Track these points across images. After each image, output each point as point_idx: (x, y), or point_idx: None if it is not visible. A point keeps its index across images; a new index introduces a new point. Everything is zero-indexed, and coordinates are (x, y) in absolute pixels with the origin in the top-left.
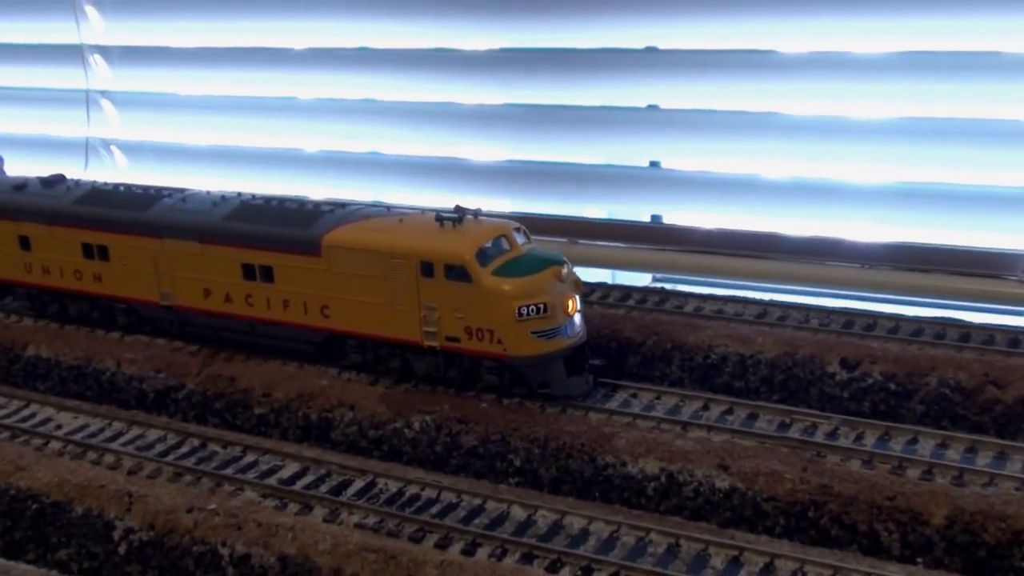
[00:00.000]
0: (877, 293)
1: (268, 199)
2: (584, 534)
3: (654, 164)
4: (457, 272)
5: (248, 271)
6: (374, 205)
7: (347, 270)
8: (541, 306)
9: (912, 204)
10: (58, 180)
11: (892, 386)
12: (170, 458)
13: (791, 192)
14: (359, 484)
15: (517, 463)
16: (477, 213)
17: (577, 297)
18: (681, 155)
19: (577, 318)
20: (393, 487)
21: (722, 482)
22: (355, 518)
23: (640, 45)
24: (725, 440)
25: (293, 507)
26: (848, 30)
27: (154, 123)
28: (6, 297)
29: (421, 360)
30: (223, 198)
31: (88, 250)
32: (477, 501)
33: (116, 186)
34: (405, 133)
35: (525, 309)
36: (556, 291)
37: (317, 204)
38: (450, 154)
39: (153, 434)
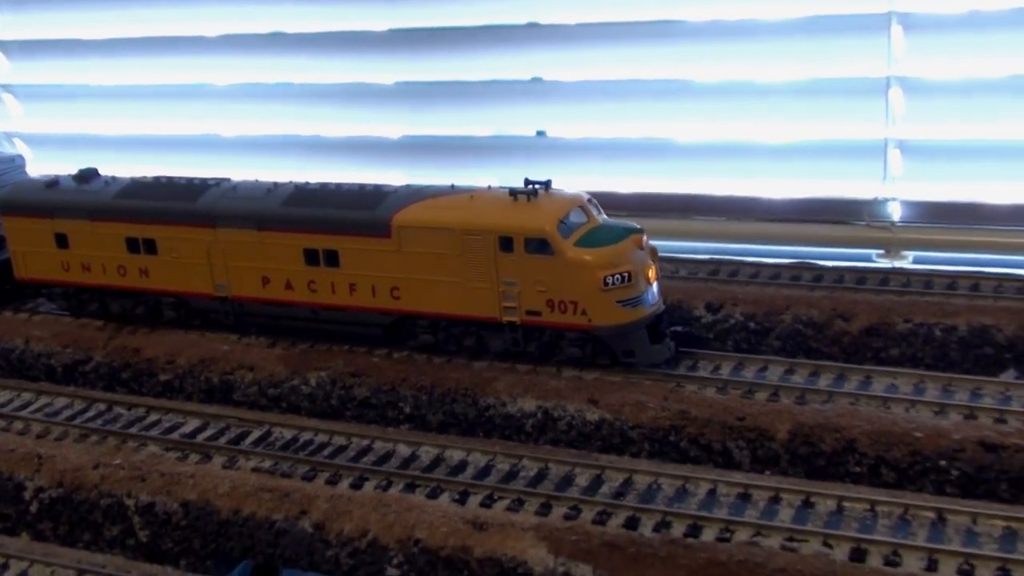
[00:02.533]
0: (741, 243)
1: (324, 184)
2: (463, 465)
3: (540, 133)
4: (538, 245)
5: (311, 256)
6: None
7: (419, 249)
8: (625, 275)
9: (774, 159)
10: (92, 175)
11: (752, 325)
12: (77, 421)
13: (660, 152)
14: (256, 434)
15: (407, 410)
16: (548, 186)
17: (655, 265)
18: (564, 123)
19: (655, 286)
20: (288, 435)
21: (592, 415)
22: (252, 463)
23: (522, 21)
24: (595, 378)
25: (194, 457)
26: None
27: (63, 114)
28: (39, 298)
29: (498, 336)
30: (276, 185)
31: (133, 244)
32: (366, 442)
33: (157, 178)
34: (311, 113)
35: (610, 278)
36: (637, 260)
37: (378, 186)
38: (354, 132)
39: (61, 401)
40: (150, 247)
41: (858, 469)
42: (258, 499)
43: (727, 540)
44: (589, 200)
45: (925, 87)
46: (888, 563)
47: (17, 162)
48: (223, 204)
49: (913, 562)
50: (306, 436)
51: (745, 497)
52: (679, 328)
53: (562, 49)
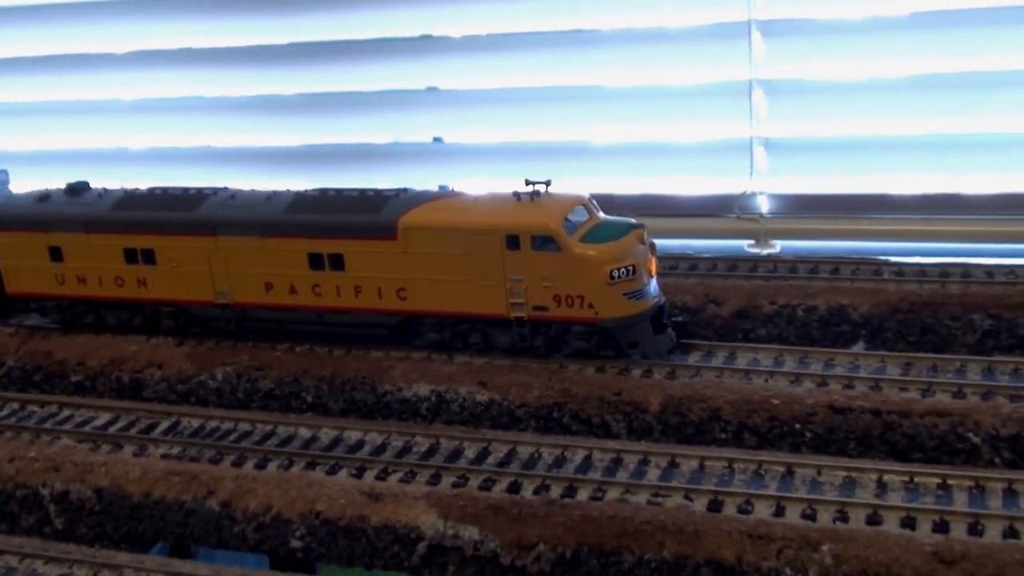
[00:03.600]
0: None
1: (323, 190)
2: (360, 444)
3: (437, 140)
4: (544, 242)
5: (315, 261)
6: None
7: (425, 250)
8: (630, 268)
9: (655, 159)
10: (83, 187)
11: None
12: None
13: (554, 154)
14: (165, 424)
15: (309, 399)
16: (548, 185)
17: (655, 259)
18: (459, 129)
19: (655, 279)
20: (196, 423)
21: (482, 396)
22: (161, 451)
23: (416, 33)
24: (485, 362)
25: (105, 447)
26: None
27: None
28: (29, 313)
29: (504, 333)
30: (274, 193)
31: (131, 255)
32: (269, 427)
33: (151, 189)
34: (217, 125)
35: (616, 272)
36: (639, 254)
37: (378, 190)
38: (258, 143)
39: None
40: (148, 257)
41: (723, 435)
42: (168, 482)
43: (600, 499)
44: (589, 199)
45: (784, 88)
46: (741, 511)
47: (1, 178)
48: (224, 212)
49: (763, 509)
50: (213, 424)
51: (617, 461)
52: (679, 318)
53: (454, 59)
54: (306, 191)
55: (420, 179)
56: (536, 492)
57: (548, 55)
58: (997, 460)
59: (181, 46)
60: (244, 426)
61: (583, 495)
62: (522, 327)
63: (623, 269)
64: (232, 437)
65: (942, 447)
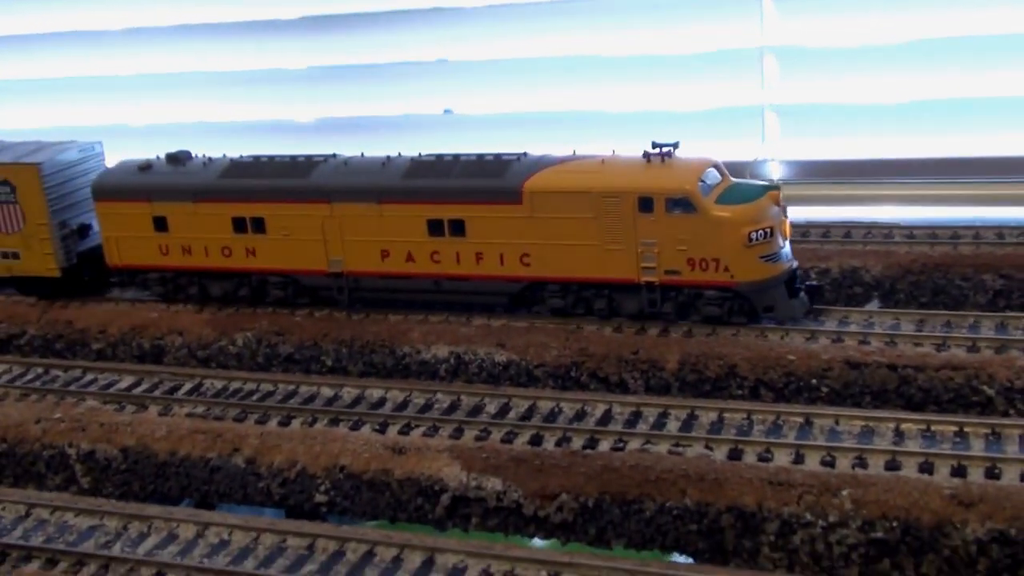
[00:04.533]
0: None
1: (440, 155)
2: (382, 401)
3: (447, 111)
4: (680, 204)
5: (435, 227)
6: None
7: (552, 215)
8: (768, 230)
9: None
10: (186, 156)
11: None
12: (17, 383)
13: (564, 122)
14: (188, 386)
15: (329, 363)
16: (676, 148)
17: (788, 221)
18: (470, 100)
19: (788, 243)
20: (219, 384)
21: (500, 356)
22: (186, 410)
23: (427, 5)
24: (503, 324)
25: (131, 408)
26: None
27: None
28: (128, 286)
29: (633, 298)
30: (388, 158)
31: (240, 224)
32: (291, 387)
33: (257, 157)
34: (230, 98)
35: (754, 234)
36: (775, 215)
37: (497, 154)
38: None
39: None
40: (258, 226)
41: (740, 392)
42: (192, 441)
43: (621, 449)
44: (719, 161)
45: (795, 54)
46: (761, 459)
47: (96, 149)
48: (339, 179)
49: (783, 457)
50: (236, 385)
51: (637, 415)
52: (814, 283)
53: (465, 30)
54: (422, 155)
55: (430, 149)
56: (558, 444)
57: (570, 22)
58: (1012, 411)
59: (189, 20)
60: (267, 386)
61: (604, 446)
62: (652, 292)
63: (761, 231)
64: (255, 397)
65: (957, 399)
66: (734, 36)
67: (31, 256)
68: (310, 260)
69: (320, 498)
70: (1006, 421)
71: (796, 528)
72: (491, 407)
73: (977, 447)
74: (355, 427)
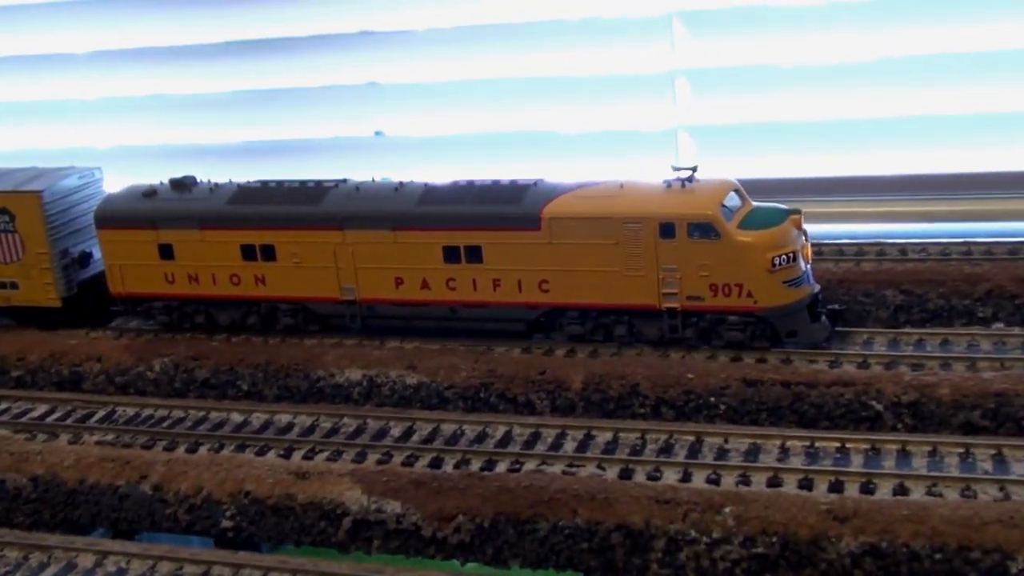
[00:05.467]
0: None
1: (454, 182)
2: (290, 426)
3: (378, 133)
4: (702, 229)
5: (451, 254)
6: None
7: (571, 240)
8: (791, 255)
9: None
10: (191, 182)
11: None
12: None
13: (494, 144)
14: (101, 413)
15: (245, 387)
16: (695, 172)
17: (809, 245)
18: (401, 123)
19: (809, 266)
20: (131, 411)
21: (411, 379)
22: (95, 438)
23: (355, 29)
24: (415, 346)
25: (42, 437)
26: None
27: None
28: (135, 313)
29: (653, 324)
30: (401, 184)
31: (249, 251)
32: (202, 413)
33: (265, 183)
34: (155, 123)
35: (778, 259)
36: (798, 240)
37: (513, 180)
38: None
39: None
40: (268, 253)
41: (642, 410)
42: (101, 468)
43: (517, 471)
44: (739, 184)
45: (707, 77)
46: (650, 478)
47: (96, 175)
48: (352, 205)
49: (671, 475)
50: (147, 412)
51: (536, 435)
52: (835, 306)
53: (394, 53)
54: (435, 183)
55: (362, 172)
56: (457, 466)
57: (486, 48)
58: (899, 426)
59: (112, 46)
60: (178, 413)
61: (501, 468)
62: (673, 318)
63: (784, 256)
64: (166, 423)
65: (848, 415)
66: (647, 60)
67: (31, 286)
68: (322, 287)
69: (226, 523)
70: (885, 437)
71: (682, 545)
72: (396, 430)
73: (856, 463)
74: (261, 453)
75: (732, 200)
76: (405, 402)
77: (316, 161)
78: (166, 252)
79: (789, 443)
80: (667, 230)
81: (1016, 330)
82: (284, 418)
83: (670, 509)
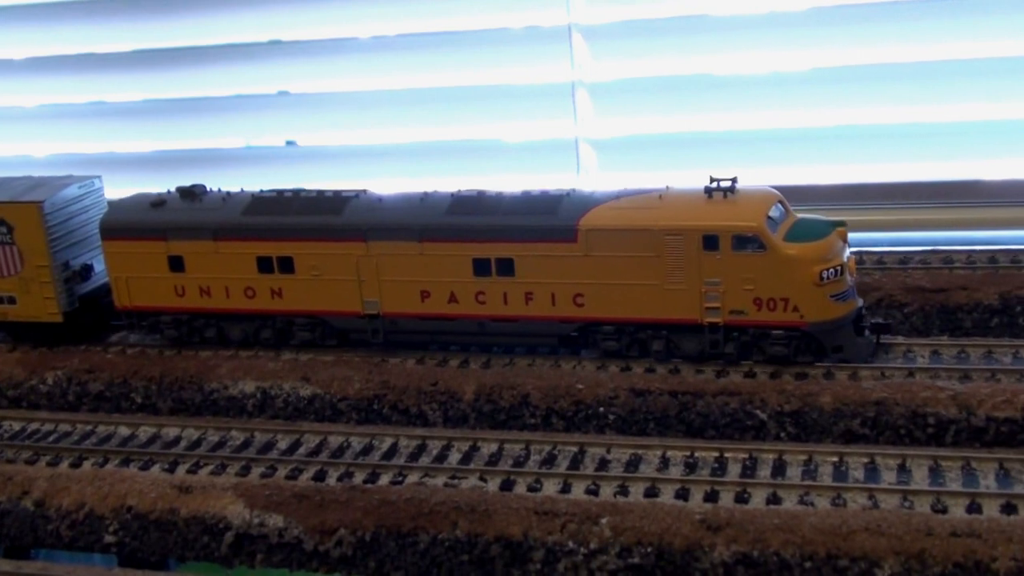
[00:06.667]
0: None
1: (482, 192)
2: (177, 440)
3: (290, 143)
4: (748, 242)
5: (481, 266)
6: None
7: (609, 253)
8: (838, 268)
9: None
10: (201, 191)
11: None
12: None
13: (401, 154)
14: None
15: (139, 400)
16: (735, 183)
17: (854, 258)
18: (313, 132)
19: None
20: (17, 426)
21: (305, 391)
22: None
23: (265, 38)
24: (309, 358)
25: None
26: None
27: None
28: (142, 327)
29: (694, 339)
30: (427, 195)
31: (265, 264)
32: (89, 427)
33: (281, 192)
34: (63, 132)
35: (826, 273)
36: (843, 253)
37: (544, 191)
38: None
39: None
40: (286, 266)
41: (533, 420)
42: None
43: (400, 483)
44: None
45: (606, 89)
46: (531, 489)
47: (96, 184)
48: (376, 216)
49: (551, 487)
50: (34, 426)
51: (422, 447)
52: (880, 320)
53: (305, 62)
54: (462, 192)
55: (274, 182)
56: (340, 479)
57: (398, 58)
58: (782, 434)
59: (28, 54)
60: (65, 427)
61: (384, 480)
62: (715, 332)
63: (832, 270)
64: (51, 438)
65: (733, 424)
66: (548, 71)
67: (30, 300)
68: (343, 301)
69: (109, 539)
70: (763, 446)
71: (560, 556)
72: (283, 443)
73: (733, 472)
74: (145, 467)
75: (777, 211)
76: (299, 414)
77: (227, 170)
78: (176, 264)
79: (670, 453)
80: (711, 242)
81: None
82: (172, 432)
83: (549, 520)
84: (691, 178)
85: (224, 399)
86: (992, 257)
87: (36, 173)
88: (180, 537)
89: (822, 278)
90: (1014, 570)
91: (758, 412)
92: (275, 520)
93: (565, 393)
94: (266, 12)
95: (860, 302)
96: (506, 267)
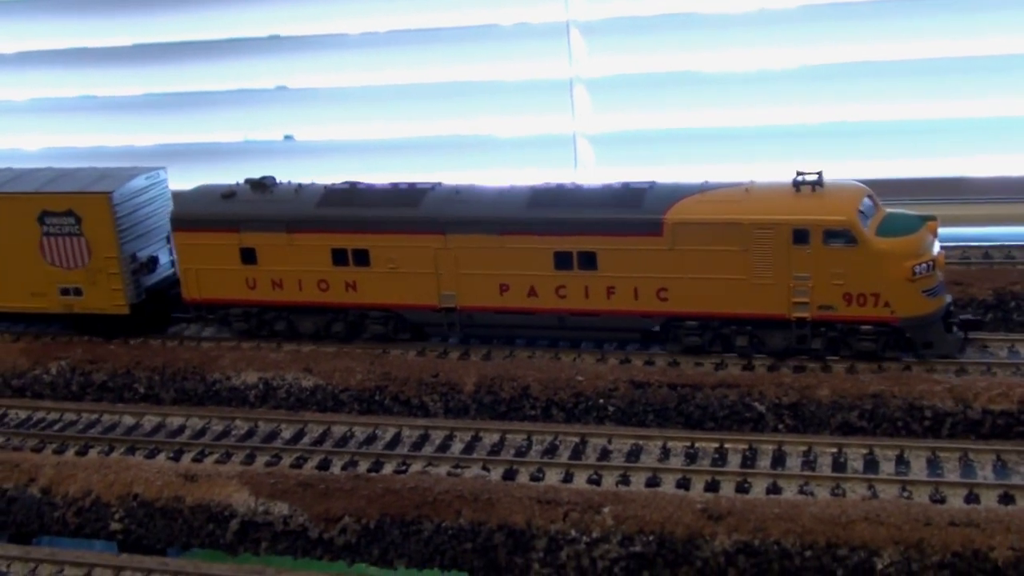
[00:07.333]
0: None
1: (560, 184)
2: (181, 429)
3: (288, 137)
4: (839, 236)
5: (562, 260)
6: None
7: (695, 247)
8: (930, 263)
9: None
10: (271, 182)
11: None
12: None
13: (401, 149)
14: None
15: (141, 390)
16: (820, 176)
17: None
18: (311, 127)
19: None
20: (23, 415)
21: (307, 381)
22: None
23: (264, 33)
24: (311, 349)
25: None
26: None
27: None
28: (210, 320)
29: (780, 334)
30: (502, 188)
31: (340, 256)
32: (94, 416)
33: (354, 184)
34: (64, 126)
35: (918, 267)
36: (934, 247)
37: (625, 183)
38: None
39: None
40: (361, 258)
41: (533, 412)
42: None
43: (403, 472)
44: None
45: (605, 85)
46: (533, 479)
47: (161, 176)
48: (455, 208)
49: (554, 476)
50: (39, 415)
51: (425, 437)
52: (969, 316)
53: (304, 58)
54: (542, 185)
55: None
56: (344, 468)
57: (395, 53)
58: (780, 426)
59: (25, 48)
60: (70, 416)
61: (388, 469)
62: (802, 328)
63: (924, 264)
64: (57, 427)
65: (732, 416)
66: (546, 67)
67: (96, 292)
68: (419, 294)
69: (115, 526)
70: (763, 437)
71: (563, 544)
72: (287, 432)
73: (734, 462)
74: (151, 455)
75: (867, 205)
76: (301, 405)
77: (224, 164)
78: (248, 256)
79: (670, 444)
80: (801, 236)
81: None
82: (176, 421)
83: (551, 509)
84: (691, 173)
85: (226, 389)
86: (986, 253)
87: (30, 167)
88: (185, 524)
89: (915, 273)
90: (1012, 559)
91: (756, 404)
92: (280, 508)
93: (565, 385)
94: (265, 7)
95: (949, 298)
96: (588, 260)
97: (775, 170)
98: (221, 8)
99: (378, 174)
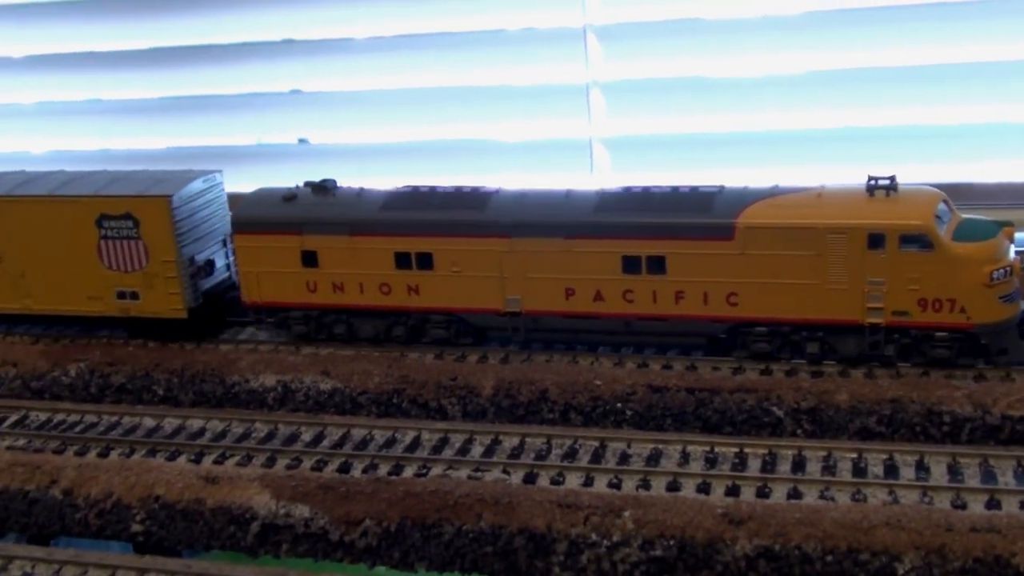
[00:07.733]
0: None
1: (627, 188)
2: (202, 431)
3: (302, 141)
4: (915, 241)
5: (630, 264)
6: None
7: (766, 251)
8: (1008, 269)
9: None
10: (332, 185)
11: None
12: None
13: (416, 153)
14: (13, 418)
15: (160, 392)
16: (893, 180)
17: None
18: (325, 130)
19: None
20: (43, 416)
21: (325, 384)
22: (6, 443)
23: (279, 37)
24: (329, 352)
25: None
26: None
27: None
28: (269, 323)
29: (852, 340)
30: (569, 192)
31: (404, 260)
32: (115, 418)
33: (416, 188)
34: (79, 129)
35: (996, 273)
36: (1010, 253)
37: (694, 187)
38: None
39: None
40: (425, 262)
41: (551, 415)
42: (11, 474)
43: (424, 475)
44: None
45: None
46: (554, 482)
47: (217, 179)
48: (521, 212)
49: (574, 480)
50: (60, 417)
51: (445, 440)
52: None
53: (318, 61)
54: (608, 189)
55: (286, 179)
56: (365, 471)
57: (409, 57)
58: (798, 431)
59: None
60: (91, 418)
61: (409, 472)
62: (875, 334)
63: (1002, 270)
64: (78, 428)
65: (750, 420)
66: (563, 72)
67: (153, 296)
68: (483, 298)
69: (136, 528)
70: (782, 442)
71: (583, 548)
72: (307, 435)
73: (753, 467)
74: (172, 457)
75: (942, 210)
76: (319, 408)
77: (238, 167)
78: (310, 259)
79: (690, 448)
80: (876, 241)
81: None
82: (196, 423)
83: (572, 513)
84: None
85: (245, 392)
86: None
87: (39, 169)
88: (207, 526)
89: (992, 279)
90: None
91: (775, 409)
92: (301, 510)
93: (583, 389)
94: (280, 11)
95: (1023, 304)
96: (657, 265)
97: (795, 175)
98: (235, 12)
99: (393, 177)
